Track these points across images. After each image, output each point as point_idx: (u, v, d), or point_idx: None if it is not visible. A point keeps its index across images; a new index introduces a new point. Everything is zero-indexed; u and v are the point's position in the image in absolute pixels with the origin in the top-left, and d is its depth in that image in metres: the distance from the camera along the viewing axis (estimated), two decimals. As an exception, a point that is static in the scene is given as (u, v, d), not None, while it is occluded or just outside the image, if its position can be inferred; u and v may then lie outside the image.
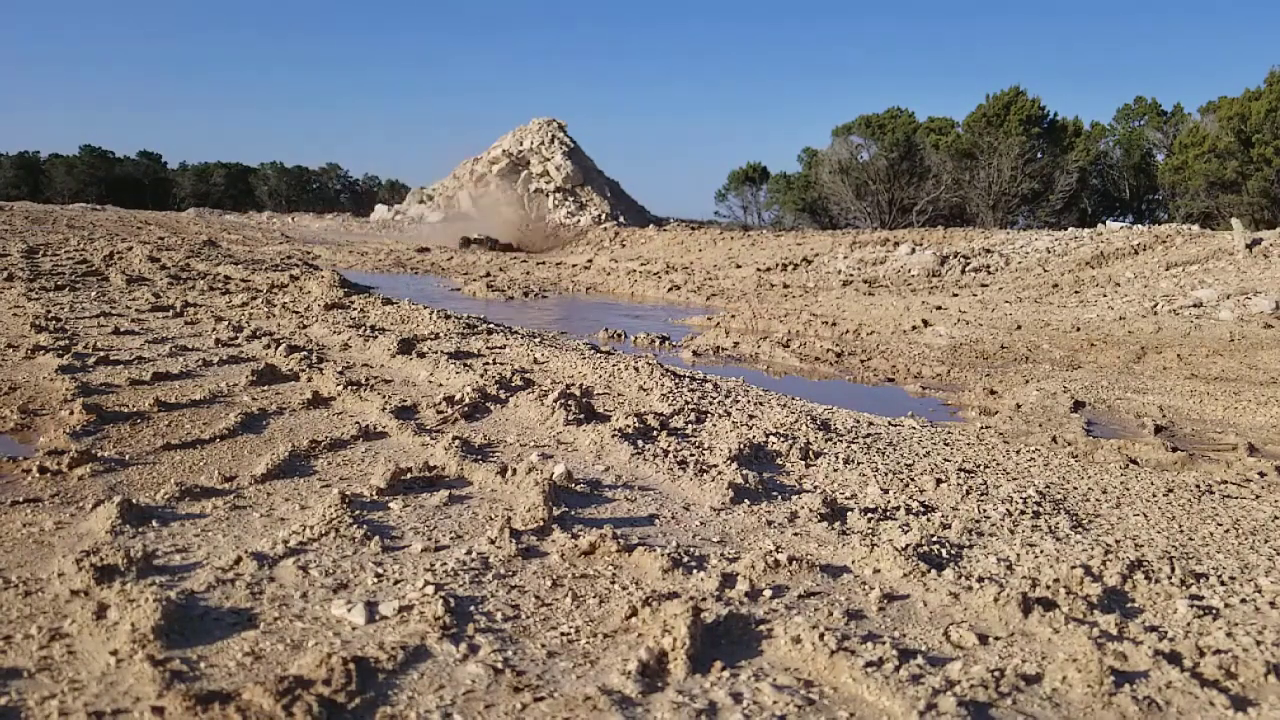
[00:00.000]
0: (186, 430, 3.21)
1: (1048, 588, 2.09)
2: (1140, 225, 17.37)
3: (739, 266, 15.65)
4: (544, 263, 16.50)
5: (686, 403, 4.00)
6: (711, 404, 4.06)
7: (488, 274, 13.33)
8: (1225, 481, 3.27)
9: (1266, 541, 2.59)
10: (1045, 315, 9.69)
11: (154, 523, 2.29)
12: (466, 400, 3.75)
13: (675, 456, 3.07)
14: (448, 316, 6.58)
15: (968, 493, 2.88)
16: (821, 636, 1.72)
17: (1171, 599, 2.08)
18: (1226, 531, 2.67)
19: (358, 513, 2.37)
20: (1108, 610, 1.99)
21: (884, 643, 1.75)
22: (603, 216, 29.70)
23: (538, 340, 5.93)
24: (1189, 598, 2.10)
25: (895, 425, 4.00)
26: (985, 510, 2.72)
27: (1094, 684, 1.63)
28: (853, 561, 2.22)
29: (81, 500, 2.44)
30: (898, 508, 2.70)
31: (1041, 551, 2.37)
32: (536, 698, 1.53)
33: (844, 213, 31.34)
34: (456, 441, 3.00)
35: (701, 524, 2.49)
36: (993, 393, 5.19)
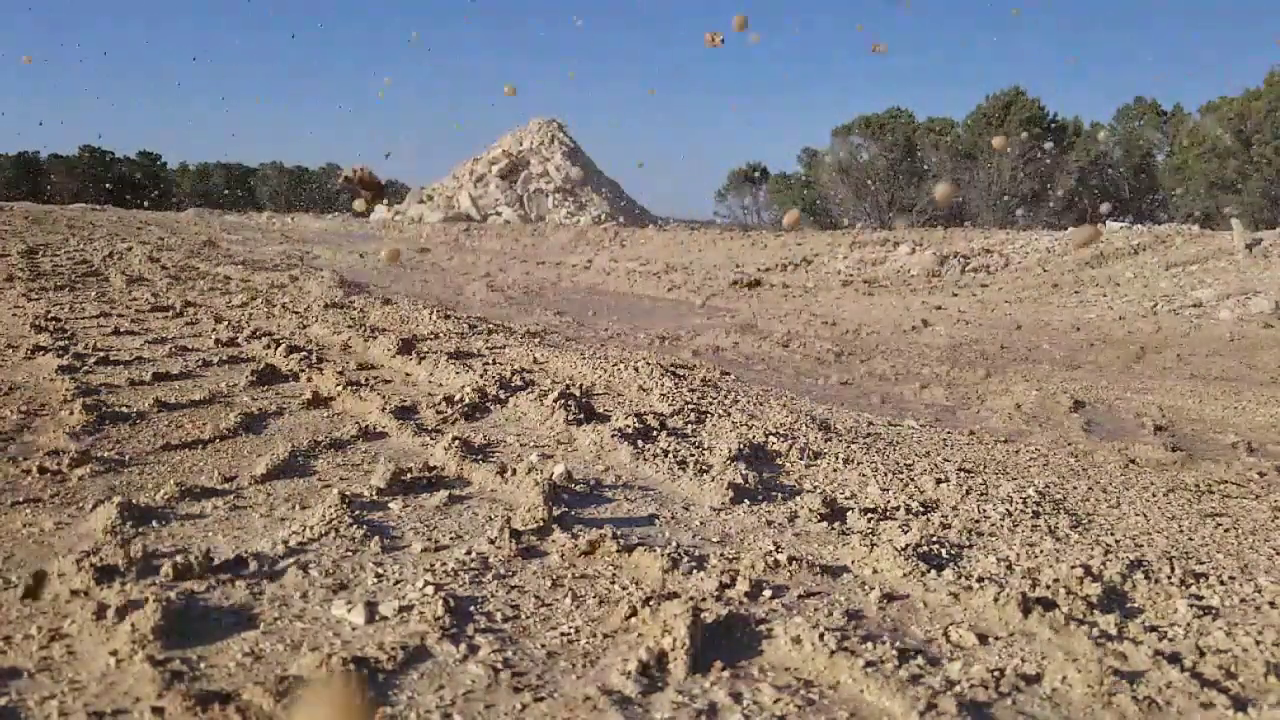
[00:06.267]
0: (186, 430, 3.21)
1: (1048, 588, 2.09)
2: (1140, 225, 17.37)
3: (739, 266, 15.66)
4: (544, 263, 16.51)
5: (686, 403, 4.00)
6: (711, 404, 4.06)
7: (487, 274, 13.33)
8: (1225, 481, 3.27)
9: (1266, 541, 2.59)
10: (1045, 315, 9.69)
11: (154, 523, 2.29)
12: (466, 400, 3.75)
13: (675, 456, 3.07)
14: (447, 316, 6.59)
15: (968, 493, 2.89)
16: (821, 636, 1.72)
17: (1171, 599, 2.08)
18: (1226, 531, 2.67)
19: (358, 513, 2.37)
20: (1108, 610, 1.99)
21: (884, 643, 1.75)
22: (602, 216, 29.71)
23: (537, 340, 5.93)
24: (1189, 598, 2.10)
25: (895, 425, 4.00)
26: (985, 510, 2.72)
27: (1094, 684, 1.64)
28: (853, 561, 2.22)
29: (81, 501, 2.44)
30: (898, 508, 2.70)
31: (1041, 551, 2.37)
32: (536, 698, 1.53)
33: (844, 213, 31.33)
34: (456, 441, 3.00)
35: (701, 524, 2.49)
36: (992, 393, 5.19)
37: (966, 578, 2.12)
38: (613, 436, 3.21)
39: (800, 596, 2.01)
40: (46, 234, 15.29)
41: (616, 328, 7.82)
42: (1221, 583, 2.21)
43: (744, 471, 2.89)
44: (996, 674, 1.68)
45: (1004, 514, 2.69)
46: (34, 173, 45.72)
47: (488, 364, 4.75)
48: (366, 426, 3.33)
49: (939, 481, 2.97)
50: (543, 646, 1.72)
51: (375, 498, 2.54)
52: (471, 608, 1.87)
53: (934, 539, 2.41)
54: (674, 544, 2.28)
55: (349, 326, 5.83)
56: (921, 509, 2.70)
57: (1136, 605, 2.07)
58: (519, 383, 4.21)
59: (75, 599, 1.83)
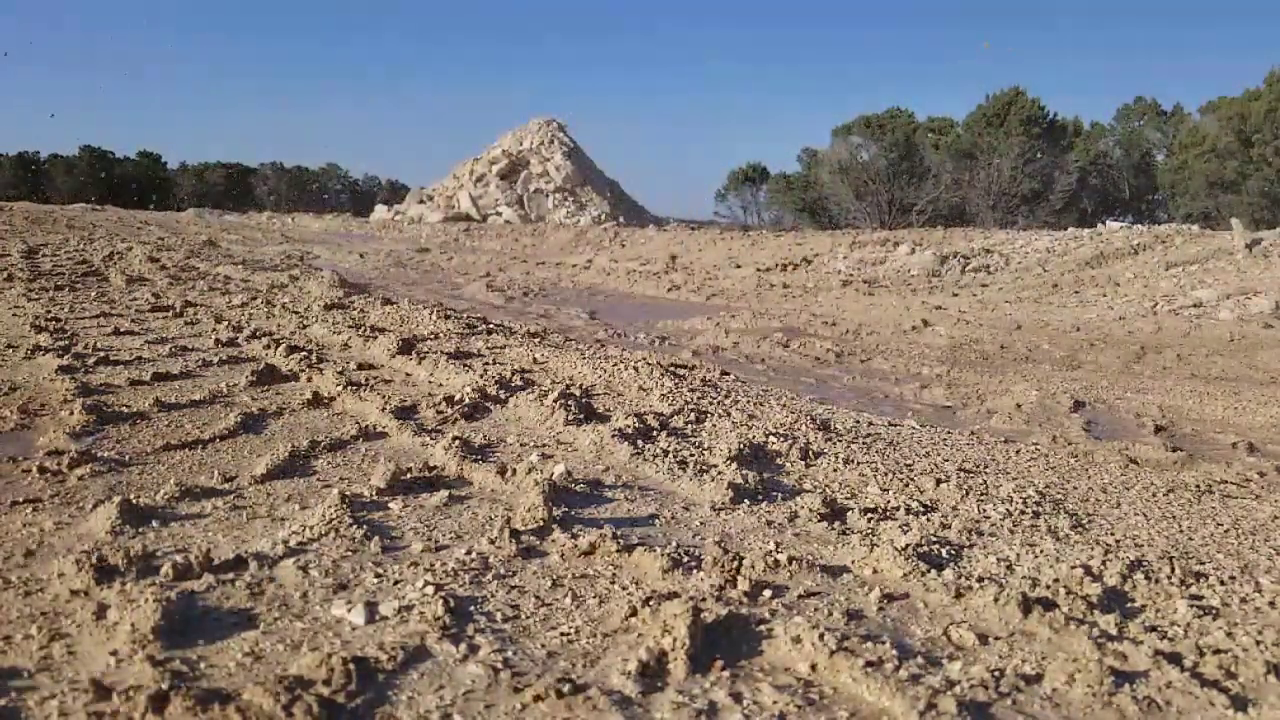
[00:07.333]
0: (186, 430, 3.21)
1: (1048, 588, 2.09)
2: (1140, 225, 17.37)
3: (739, 266, 15.66)
4: (544, 263, 16.51)
5: (686, 403, 4.00)
6: (711, 404, 4.06)
7: (487, 274, 13.33)
8: (1225, 481, 3.27)
9: (1266, 541, 2.59)
10: (1045, 315, 9.69)
11: (154, 523, 2.29)
12: (466, 400, 3.75)
13: (675, 456, 3.07)
14: (447, 316, 6.59)
15: (968, 493, 2.88)
16: (821, 636, 1.72)
17: (1171, 599, 2.08)
18: (1226, 531, 2.67)
19: (358, 513, 2.37)
20: (1108, 610, 1.99)
21: (884, 643, 1.75)
22: (602, 216, 29.71)
23: (537, 340, 5.93)
24: (1189, 598, 2.10)
25: (895, 425, 4.00)
26: (985, 510, 2.72)
27: (1094, 684, 1.63)
28: (853, 561, 2.22)
29: (81, 501, 2.44)
30: (898, 508, 2.70)
31: (1041, 551, 2.37)
32: (536, 697, 1.53)
33: (844, 213, 31.34)
34: (456, 441, 2.99)
35: (701, 524, 2.49)
36: (993, 393, 5.18)
37: (966, 578, 2.12)
38: (613, 436, 3.21)
39: (800, 596, 2.01)
40: (46, 234, 15.28)
41: (616, 327, 7.83)
42: (1221, 583, 2.21)
43: (744, 471, 2.89)
44: (996, 674, 1.68)
45: (1004, 514, 2.69)
46: (34, 173, 45.70)
47: (488, 364, 4.75)
48: (366, 426, 3.33)
49: (939, 481, 2.97)
50: (543, 646, 1.72)
51: (375, 498, 2.54)
52: (471, 608, 1.87)
53: (934, 539, 2.41)
54: (674, 544, 2.28)
55: (349, 326, 5.83)
56: (921, 509, 2.70)
57: (1136, 605, 2.07)
58: (519, 383, 4.21)
59: (75, 599, 1.83)
